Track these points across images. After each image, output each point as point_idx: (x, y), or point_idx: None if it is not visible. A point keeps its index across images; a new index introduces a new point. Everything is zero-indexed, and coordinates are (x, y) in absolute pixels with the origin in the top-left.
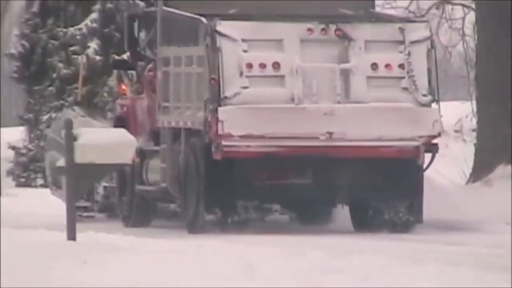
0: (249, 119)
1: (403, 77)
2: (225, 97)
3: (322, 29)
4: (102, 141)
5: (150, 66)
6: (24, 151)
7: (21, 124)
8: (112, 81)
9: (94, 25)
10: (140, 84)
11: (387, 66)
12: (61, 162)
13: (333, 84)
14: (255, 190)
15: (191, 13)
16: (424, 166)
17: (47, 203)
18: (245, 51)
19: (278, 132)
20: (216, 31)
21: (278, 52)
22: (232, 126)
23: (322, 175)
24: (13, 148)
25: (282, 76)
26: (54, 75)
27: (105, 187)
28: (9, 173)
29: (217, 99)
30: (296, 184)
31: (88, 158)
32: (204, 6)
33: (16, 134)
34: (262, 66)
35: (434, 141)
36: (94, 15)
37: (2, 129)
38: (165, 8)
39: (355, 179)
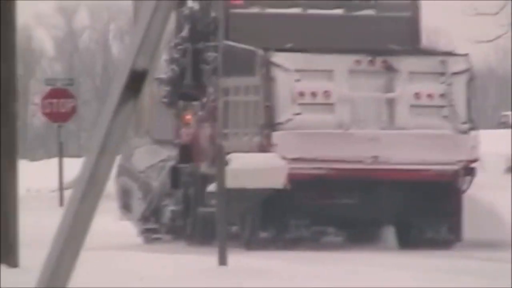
0: (301, 143)
1: (444, 106)
2: (279, 123)
3: (370, 61)
4: (254, 166)
5: (212, 96)
6: None
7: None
8: None
9: None
10: (204, 113)
11: (429, 95)
12: (212, 187)
13: (378, 112)
14: (306, 209)
15: (263, 47)
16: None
17: None
18: (297, 80)
19: (327, 155)
20: (271, 62)
21: (328, 82)
22: (285, 150)
23: (368, 196)
24: None
25: (332, 104)
26: (205, 99)
27: (172, 211)
28: None
29: (271, 124)
30: (343, 204)
31: (240, 182)
32: (263, 40)
33: None
34: (314, 94)
35: (472, 165)
36: None
37: None
38: (225, 42)
39: (399, 200)
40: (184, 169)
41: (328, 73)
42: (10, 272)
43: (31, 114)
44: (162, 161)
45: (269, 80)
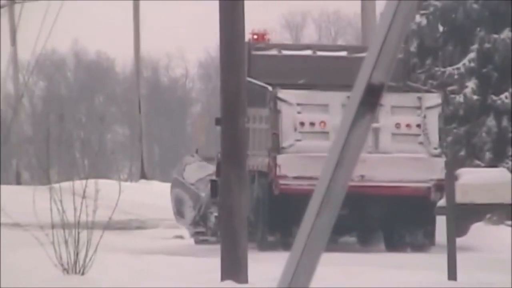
0: (301, 164)
1: (419, 134)
2: (283, 147)
3: None
4: (483, 181)
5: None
6: None
7: None
8: (491, 121)
9: (472, 64)
10: None
11: (408, 125)
12: (442, 202)
13: None
14: None
15: (271, 82)
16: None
17: None
18: (299, 112)
19: None
20: (277, 97)
21: (324, 114)
22: (287, 169)
23: (357, 208)
24: None
25: (327, 132)
26: None
27: (215, 216)
28: None
29: (277, 148)
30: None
31: (469, 198)
32: (279, 77)
33: None
34: (312, 124)
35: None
36: (472, 55)
37: None
38: (248, 78)
39: (382, 211)
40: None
41: (324, 107)
42: None
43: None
44: (209, 175)
45: (275, 112)
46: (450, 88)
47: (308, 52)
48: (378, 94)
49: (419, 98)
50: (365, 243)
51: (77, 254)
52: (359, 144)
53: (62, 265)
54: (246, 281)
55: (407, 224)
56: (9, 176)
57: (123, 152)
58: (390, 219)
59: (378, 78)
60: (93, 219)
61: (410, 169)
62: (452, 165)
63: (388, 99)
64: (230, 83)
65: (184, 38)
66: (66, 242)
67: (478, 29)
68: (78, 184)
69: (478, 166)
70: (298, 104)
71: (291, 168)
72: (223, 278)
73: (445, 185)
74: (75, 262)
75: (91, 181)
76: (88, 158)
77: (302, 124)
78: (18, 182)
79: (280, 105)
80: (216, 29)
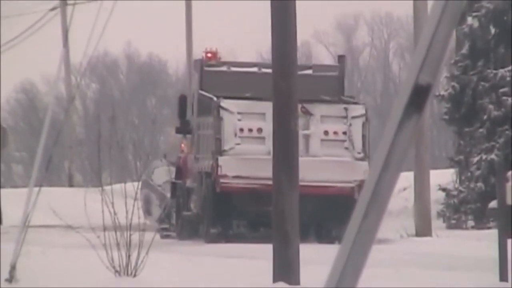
0: (240, 165)
1: (345, 141)
2: (224, 150)
3: None
4: None
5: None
6: (455, 192)
7: (452, 166)
8: None
9: None
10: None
11: (335, 133)
12: (493, 204)
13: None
14: (243, 213)
15: (220, 95)
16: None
17: (479, 247)
18: (239, 120)
19: (259, 174)
20: (220, 106)
21: (261, 121)
22: (227, 169)
23: None
24: (444, 190)
25: (263, 137)
26: (485, 117)
27: (176, 214)
28: (440, 215)
29: (219, 151)
30: (270, 211)
31: None
32: (228, 91)
33: (447, 176)
34: (250, 130)
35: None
36: None
37: (433, 171)
38: (199, 91)
39: (311, 208)
40: (178, 184)
41: (261, 115)
42: None
43: None
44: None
45: (218, 119)
46: (502, 90)
47: (255, 69)
48: (425, 95)
49: (346, 109)
50: (302, 237)
51: (128, 256)
52: (405, 145)
53: (114, 267)
54: (298, 283)
55: (334, 220)
56: (62, 178)
57: (175, 154)
58: (319, 215)
59: (425, 79)
60: (145, 221)
61: (336, 171)
62: (503, 167)
63: (318, 109)
64: (282, 85)
65: (236, 40)
66: (117, 244)
67: None
68: (130, 186)
69: None
70: (239, 113)
71: (231, 168)
72: (275, 279)
73: (497, 187)
74: (127, 264)
75: None
76: (141, 160)
77: (241, 130)
78: (71, 184)
79: (223, 113)
80: (268, 30)
